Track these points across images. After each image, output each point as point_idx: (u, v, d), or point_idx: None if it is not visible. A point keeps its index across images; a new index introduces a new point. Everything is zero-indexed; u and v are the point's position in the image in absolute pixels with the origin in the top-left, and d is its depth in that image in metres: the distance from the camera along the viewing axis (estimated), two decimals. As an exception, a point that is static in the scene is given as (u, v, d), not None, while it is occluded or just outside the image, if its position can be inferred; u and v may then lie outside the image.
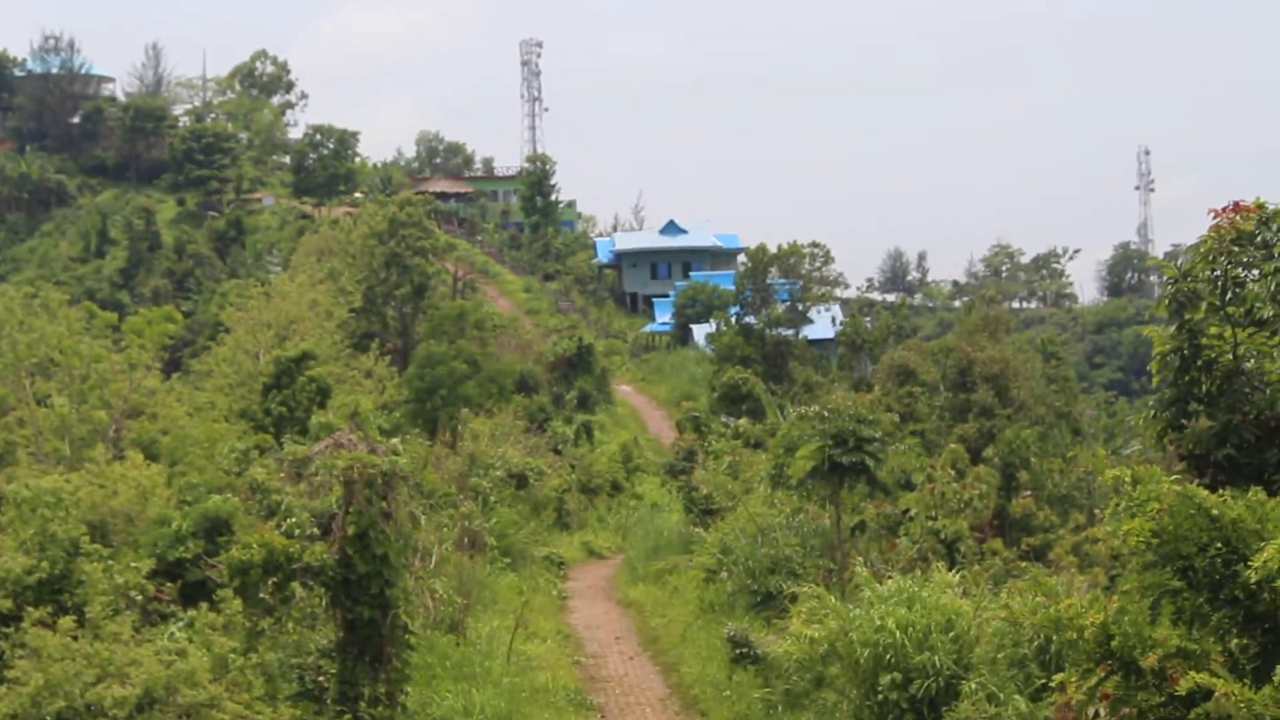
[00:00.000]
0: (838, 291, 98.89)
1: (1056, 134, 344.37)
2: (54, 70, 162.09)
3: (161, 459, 44.81)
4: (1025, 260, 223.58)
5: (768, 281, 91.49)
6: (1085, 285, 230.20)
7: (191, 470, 42.63)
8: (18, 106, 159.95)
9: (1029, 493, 45.10)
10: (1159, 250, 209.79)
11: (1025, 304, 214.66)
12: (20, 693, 20.99)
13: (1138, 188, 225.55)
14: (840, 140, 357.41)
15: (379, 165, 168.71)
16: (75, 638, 22.37)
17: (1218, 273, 19.11)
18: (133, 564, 29.31)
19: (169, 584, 31.09)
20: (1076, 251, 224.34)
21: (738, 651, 29.07)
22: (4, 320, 55.25)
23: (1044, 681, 19.68)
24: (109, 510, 34.58)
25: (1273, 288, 18.80)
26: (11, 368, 52.50)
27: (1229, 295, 19.09)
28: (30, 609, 23.78)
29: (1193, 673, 14.27)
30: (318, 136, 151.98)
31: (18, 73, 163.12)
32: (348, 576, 24.44)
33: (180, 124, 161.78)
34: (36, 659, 21.73)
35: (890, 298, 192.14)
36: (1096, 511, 44.50)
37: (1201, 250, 19.24)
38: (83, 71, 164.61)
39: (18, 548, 27.78)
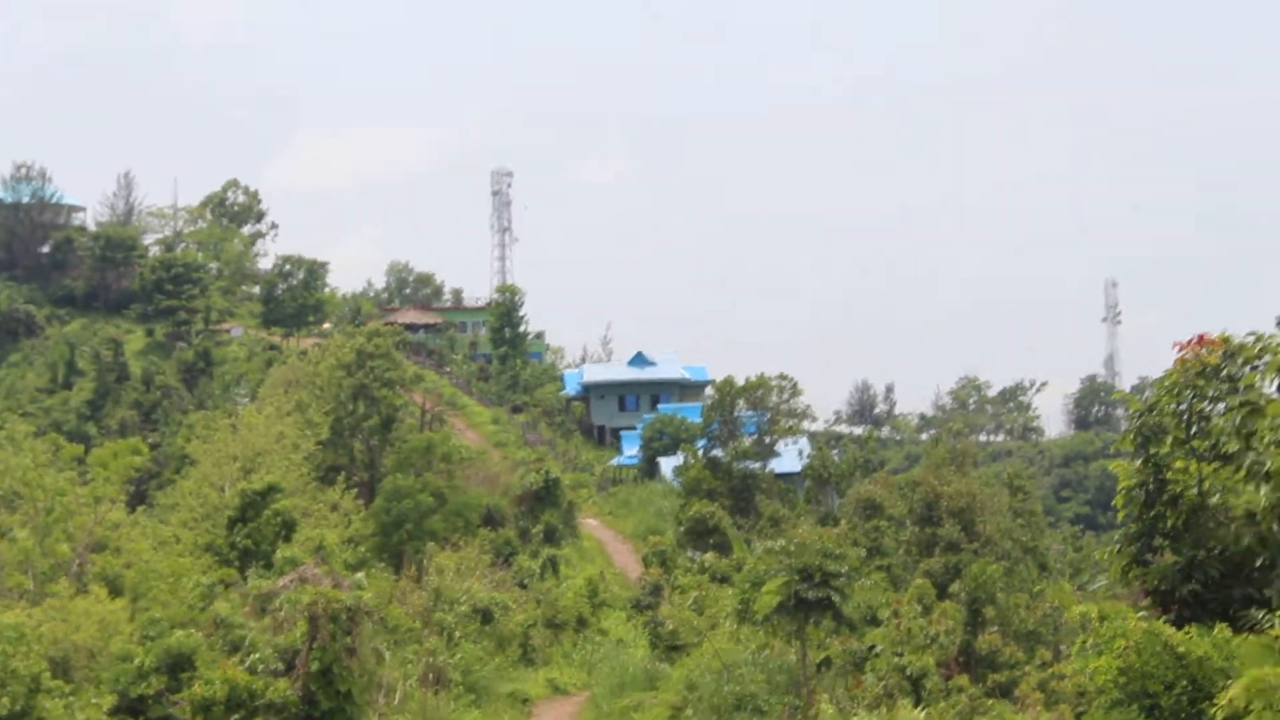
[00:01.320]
0: (805, 424, 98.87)
1: (1024, 266, 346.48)
2: (24, 199, 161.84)
3: (125, 594, 44.51)
4: (992, 393, 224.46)
5: (735, 414, 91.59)
6: (1052, 418, 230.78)
7: (155, 605, 42.35)
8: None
9: (995, 628, 45.05)
10: (1127, 382, 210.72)
11: (992, 437, 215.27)
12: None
13: (1105, 319, 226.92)
14: (809, 269, 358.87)
15: (349, 295, 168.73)
16: (34, 776, 22.12)
17: (1183, 406, 19.20)
18: (94, 700, 29.05)
19: (130, 720, 30.81)
20: (1043, 384, 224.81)
21: (704, 790, 28.86)
22: (-32, 452, 55.01)
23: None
24: (71, 645, 34.27)
25: (1238, 421, 18.87)
26: (-25, 500, 52.20)
27: (1194, 429, 19.17)
28: (-12, 746, 23.52)
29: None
30: (287, 267, 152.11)
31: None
32: (311, 713, 24.25)
33: (150, 253, 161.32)
34: (-6, 798, 21.48)
35: (858, 430, 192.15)
36: (1063, 648, 44.41)
37: (1166, 384, 19.35)
38: (53, 201, 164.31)
39: (-23, 683, 27.50)
